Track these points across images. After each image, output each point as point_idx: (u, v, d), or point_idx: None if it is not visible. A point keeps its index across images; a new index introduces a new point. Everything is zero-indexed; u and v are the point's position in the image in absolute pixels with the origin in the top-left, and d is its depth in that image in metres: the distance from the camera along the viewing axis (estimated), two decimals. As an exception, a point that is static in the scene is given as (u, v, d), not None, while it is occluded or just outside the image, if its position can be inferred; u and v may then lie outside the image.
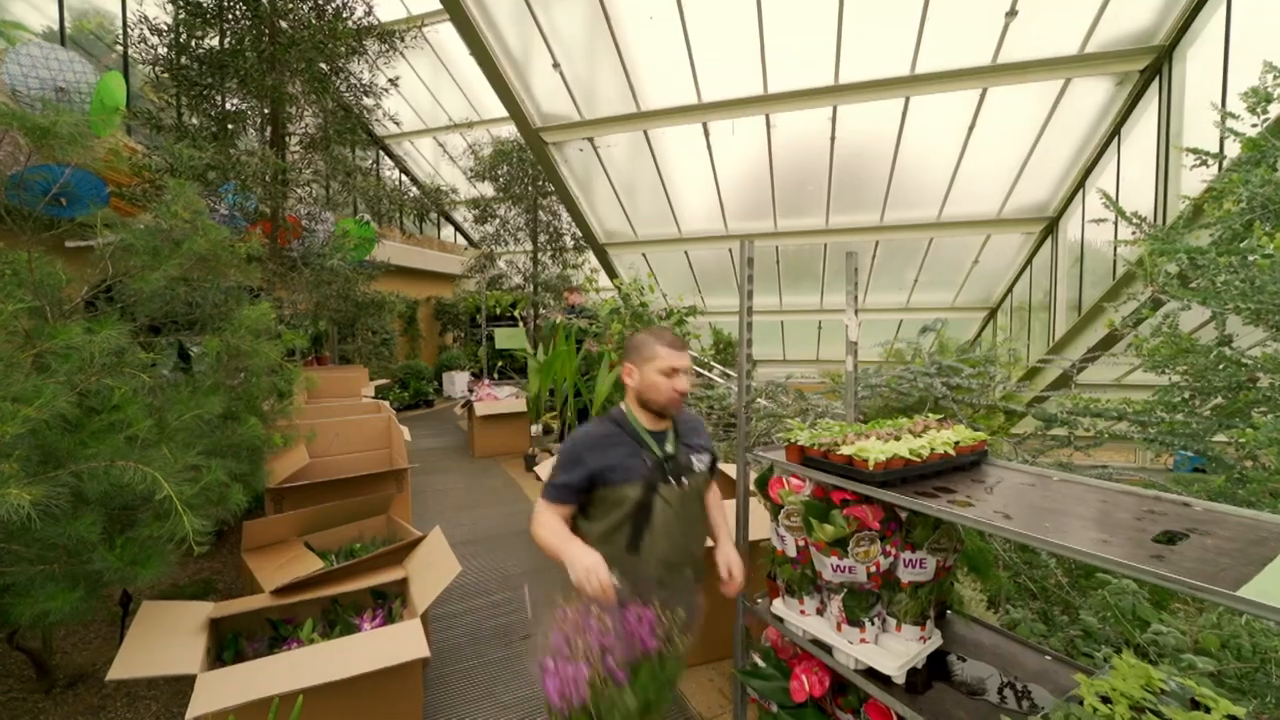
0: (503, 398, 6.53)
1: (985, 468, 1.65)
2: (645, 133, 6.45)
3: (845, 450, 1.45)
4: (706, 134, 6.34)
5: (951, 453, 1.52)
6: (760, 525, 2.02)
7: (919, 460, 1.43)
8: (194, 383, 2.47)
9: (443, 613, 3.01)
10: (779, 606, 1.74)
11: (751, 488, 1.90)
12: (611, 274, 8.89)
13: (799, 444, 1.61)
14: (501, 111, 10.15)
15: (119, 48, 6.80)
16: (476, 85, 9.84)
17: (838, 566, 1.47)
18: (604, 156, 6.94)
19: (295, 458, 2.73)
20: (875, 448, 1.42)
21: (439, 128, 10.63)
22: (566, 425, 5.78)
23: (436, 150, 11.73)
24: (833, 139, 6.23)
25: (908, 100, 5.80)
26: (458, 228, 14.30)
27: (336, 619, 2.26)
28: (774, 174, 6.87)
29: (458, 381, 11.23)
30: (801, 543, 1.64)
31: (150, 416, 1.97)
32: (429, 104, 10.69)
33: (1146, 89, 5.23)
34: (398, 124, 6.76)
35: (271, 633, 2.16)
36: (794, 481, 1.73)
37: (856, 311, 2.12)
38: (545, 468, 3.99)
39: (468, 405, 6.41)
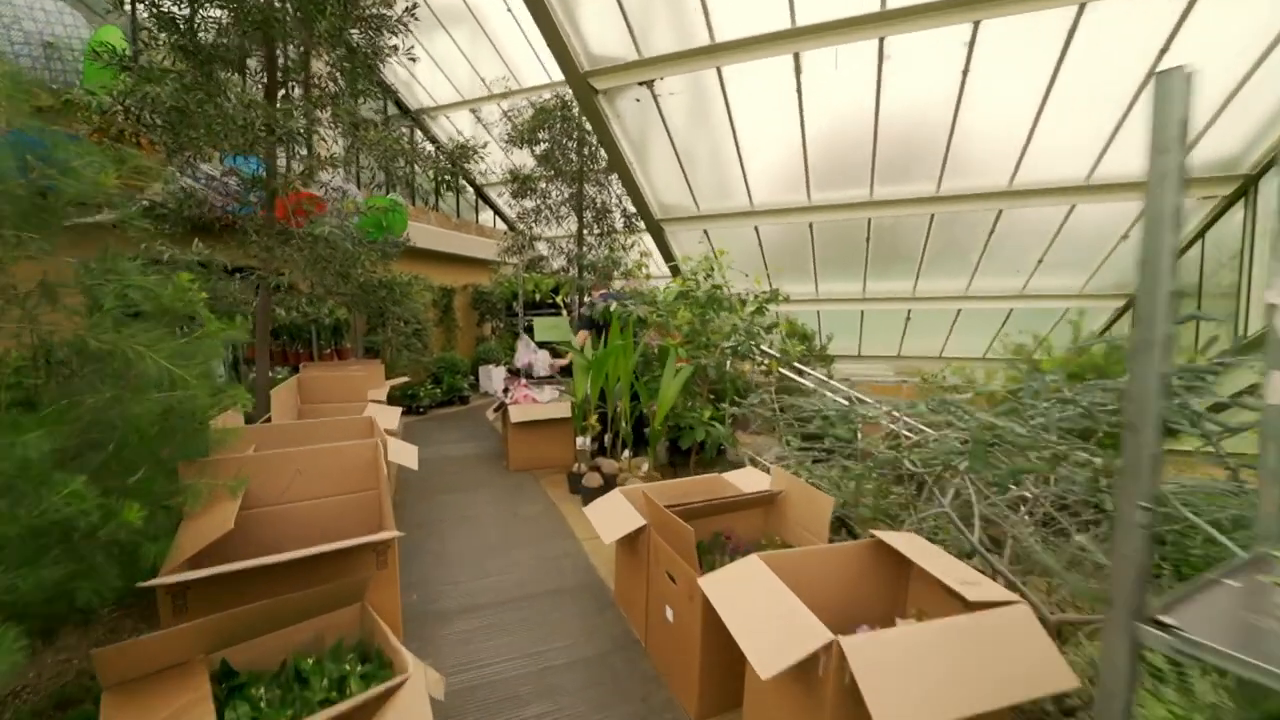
0: (543, 400, 5.46)
1: None
2: (718, 72, 5.20)
3: None
4: (798, 71, 5.03)
5: None
6: None
7: None
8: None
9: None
10: None
11: None
12: (667, 256, 7.70)
13: None
14: (539, 79, 9.11)
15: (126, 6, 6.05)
16: (515, 55, 8.82)
17: None
18: (664, 108, 5.73)
19: (210, 523, 1.71)
20: None
21: (476, 99, 9.66)
22: (620, 439, 4.66)
23: (474, 126, 10.78)
24: (965, 71, 4.81)
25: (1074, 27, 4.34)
26: (495, 209, 13.39)
27: None
28: (880, 125, 5.50)
29: (494, 376, 10.30)
30: None
31: None
32: (466, 75, 9.76)
33: None
34: (425, 90, 5.80)
35: None
36: None
37: None
38: (601, 510, 2.87)
39: (501, 408, 5.38)
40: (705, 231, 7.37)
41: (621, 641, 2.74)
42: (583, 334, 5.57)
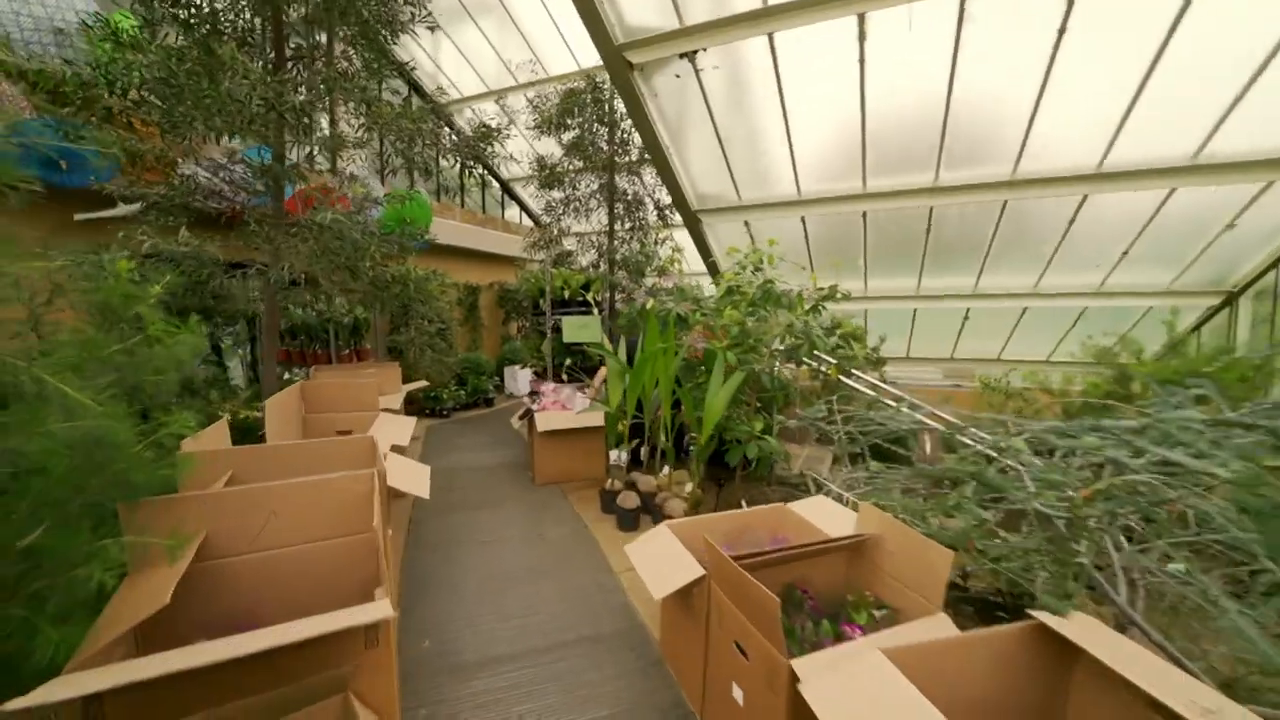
0: (574, 407, 5.00)
1: None
2: (769, 40, 4.63)
3: None
4: (861, 37, 4.43)
5: None
6: None
7: None
8: None
9: None
10: None
11: None
12: (704, 252, 7.15)
13: None
14: (568, 67, 8.66)
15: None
16: (543, 42, 8.40)
17: None
18: (706, 85, 5.19)
19: (141, 595, 1.26)
20: None
21: (502, 89, 9.27)
22: (659, 452, 4.15)
23: (500, 118, 10.40)
24: (1061, 31, 4.15)
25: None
26: (522, 205, 13.03)
27: None
28: (953, 99, 4.86)
29: (520, 378, 9.92)
30: None
31: None
32: (492, 65, 9.40)
33: None
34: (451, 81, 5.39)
35: None
36: None
37: None
38: (647, 552, 2.38)
39: (527, 415, 4.93)
40: (746, 223, 6.80)
41: (672, 716, 2.24)
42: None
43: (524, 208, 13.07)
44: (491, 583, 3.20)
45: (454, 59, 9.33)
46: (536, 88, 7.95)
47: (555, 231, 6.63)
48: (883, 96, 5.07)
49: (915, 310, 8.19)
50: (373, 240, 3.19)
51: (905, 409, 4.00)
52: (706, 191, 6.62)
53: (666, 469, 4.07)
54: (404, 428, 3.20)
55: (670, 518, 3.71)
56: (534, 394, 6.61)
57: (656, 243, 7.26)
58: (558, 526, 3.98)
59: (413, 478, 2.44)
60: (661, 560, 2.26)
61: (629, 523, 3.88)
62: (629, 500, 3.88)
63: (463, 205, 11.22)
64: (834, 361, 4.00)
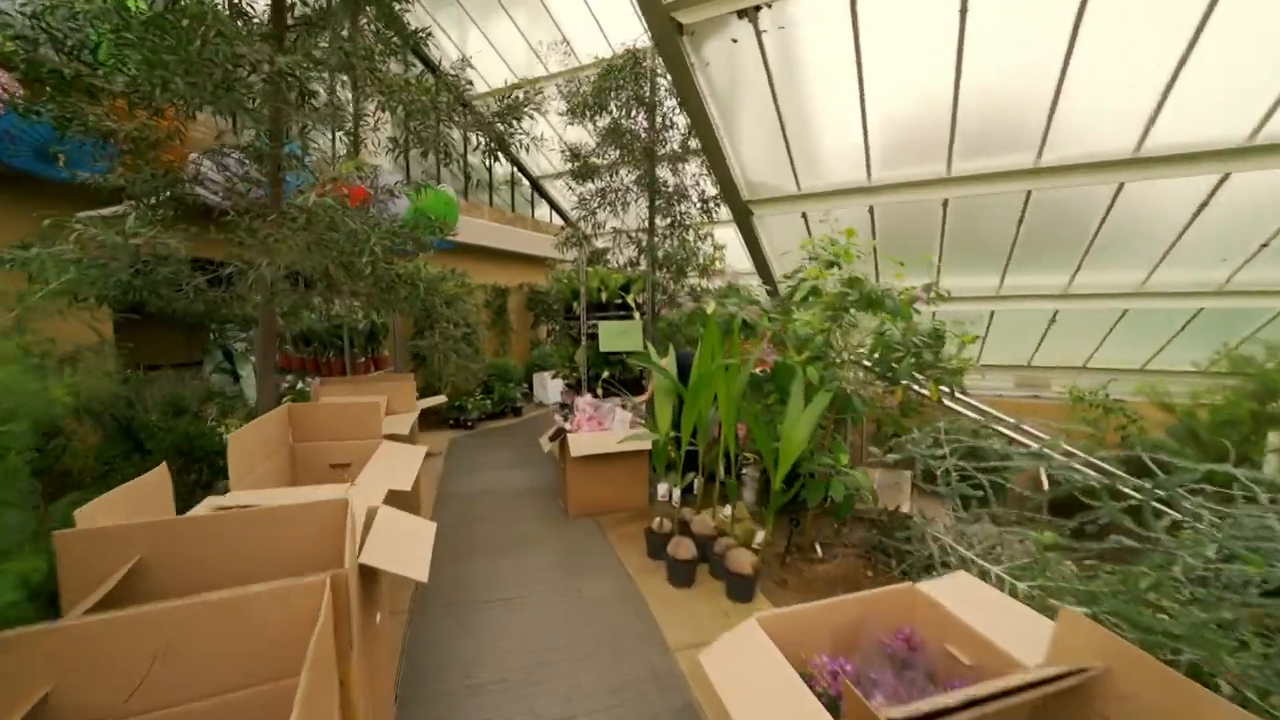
0: (612, 426, 4.31)
1: None
2: (850, -6, 3.86)
3: None
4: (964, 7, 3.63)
5: None
6: None
7: None
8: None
9: None
10: None
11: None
12: (754, 249, 6.39)
13: None
14: (601, 50, 8.02)
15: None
16: (574, 27, 7.81)
17: None
18: (768, 51, 4.44)
19: None
20: None
21: (534, 79, 8.70)
22: (718, 484, 3.41)
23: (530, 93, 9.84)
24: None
25: None
26: (552, 203, 12.47)
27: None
28: (1070, 65, 3.99)
29: (550, 385, 9.32)
30: None
31: None
32: (522, 55, 8.86)
33: None
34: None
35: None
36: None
37: None
38: (731, 667, 1.66)
39: (559, 436, 4.26)
40: (804, 215, 6.01)
41: None
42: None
43: (554, 206, 12.50)
44: (518, 668, 2.52)
45: (480, 46, 8.83)
46: (568, 76, 7.33)
47: (589, 227, 5.97)
48: (982, 69, 4.24)
49: (992, 313, 7.24)
50: (374, 232, 2.57)
51: (1018, 438, 3.18)
52: (759, 180, 5.85)
53: (728, 509, 3.34)
54: (409, 463, 2.56)
55: (738, 575, 2.98)
56: (565, 407, 5.97)
57: (700, 236, 6.53)
58: (597, 579, 3.28)
59: (407, 549, 1.79)
60: (760, 690, 1.54)
61: (683, 576, 3.17)
62: (683, 549, 3.17)
63: (491, 203, 10.71)
64: (940, 378, 3.20)
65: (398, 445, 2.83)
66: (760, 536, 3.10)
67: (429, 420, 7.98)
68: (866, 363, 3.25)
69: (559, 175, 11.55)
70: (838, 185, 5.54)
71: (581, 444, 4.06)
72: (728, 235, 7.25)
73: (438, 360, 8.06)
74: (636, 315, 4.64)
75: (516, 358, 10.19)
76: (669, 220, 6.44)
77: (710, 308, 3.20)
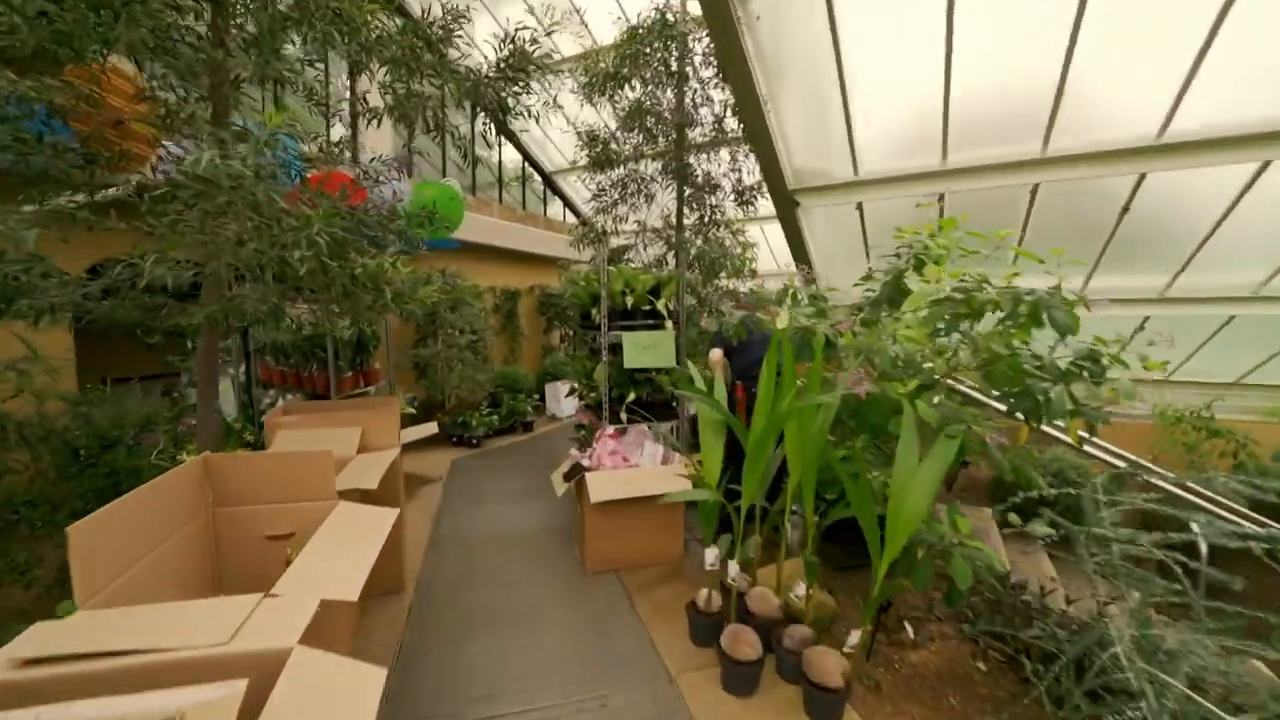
0: (639, 459, 3.51)
1: None
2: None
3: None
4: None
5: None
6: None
7: None
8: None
9: None
10: None
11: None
12: (797, 247, 5.55)
13: None
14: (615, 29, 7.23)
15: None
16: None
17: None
18: (837, 3, 3.62)
19: None
20: None
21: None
22: (800, 545, 2.58)
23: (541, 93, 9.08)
24: None
25: None
26: (566, 201, 11.73)
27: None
28: (1231, 12, 3.11)
29: (564, 398, 8.55)
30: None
31: None
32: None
33: None
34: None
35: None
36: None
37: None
38: None
39: (576, 474, 3.46)
40: (860, 206, 5.16)
41: None
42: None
43: (568, 203, 11.77)
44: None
45: (491, 29, 8.09)
46: (583, 58, 6.55)
47: (607, 222, 5.18)
48: (1104, 29, 3.37)
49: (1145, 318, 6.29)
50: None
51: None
52: (806, 165, 5.01)
53: (803, 589, 2.51)
54: (365, 543, 1.78)
55: (824, 688, 2.15)
56: (581, 428, 5.18)
57: (732, 232, 5.70)
58: (627, 681, 2.47)
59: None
60: None
61: (744, 683, 2.35)
62: (744, 646, 2.34)
63: (500, 200, 10.00)
64: (1090, 413, 2.35)
65: (356, 511, 2.05)
66: (854, 638, 2.27)
67: (430, 438, 7.24)
68: (977, 394, 2.42)
69: (572, 170, 10.83)
70: (904, 170, 4.69)
71: (603, 487, 3.26)
72: (753, 235, 6.43)
73: (440, 371, 7.34)
74: (669, 324, 3.83)
75: (527, 365, 9.45)
76: (698, 215, 5.63)
77: (783, 319, 2.38)
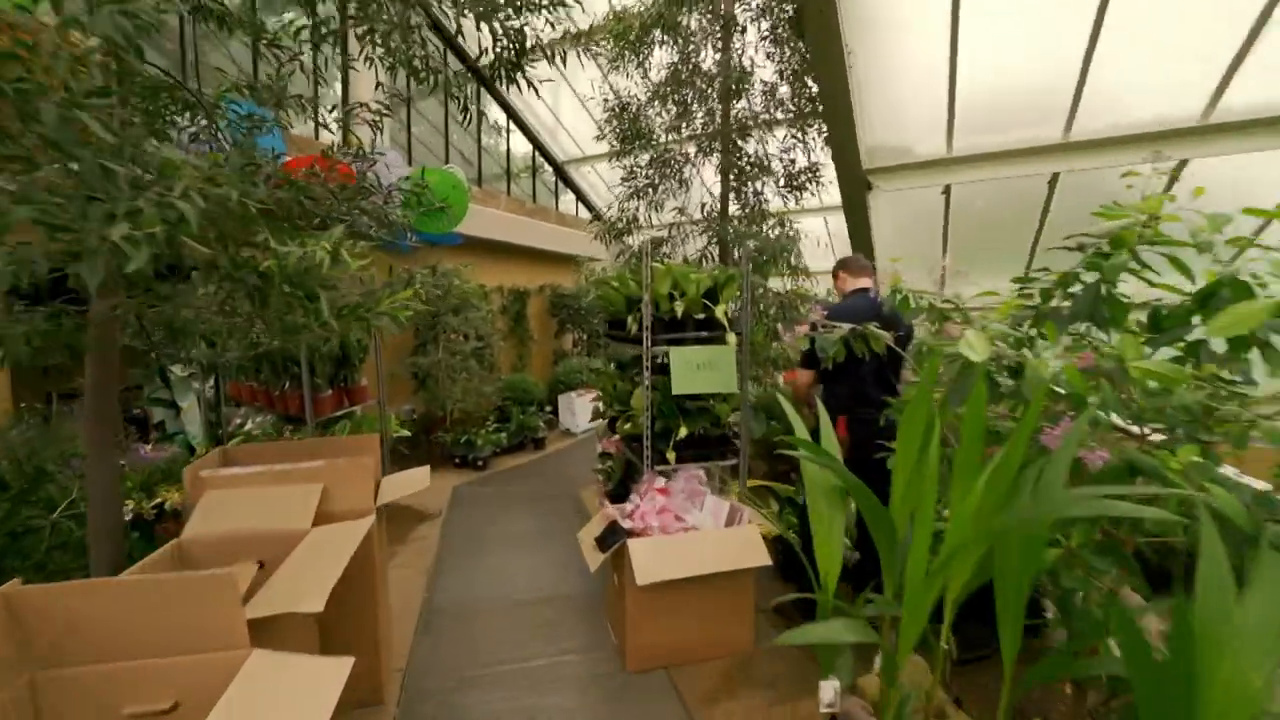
0: (697, 518, 2.64)
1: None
2: None
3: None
4: None
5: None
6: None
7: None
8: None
9: None
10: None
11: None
12: (862, 237, 4.66)
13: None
14: None
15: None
16: None
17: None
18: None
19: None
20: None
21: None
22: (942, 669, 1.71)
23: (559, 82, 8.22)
24: None
25: None
26: (579, 194, 10.88)
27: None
28: None
29: (578, 409, 7.69)
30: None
31: None
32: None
33: None
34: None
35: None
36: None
37: None
38: None
39: (613, 539, 2.58)
40: (947, 190, 4.26)
41: None
42: (804, 376, 2.78)
43: (581, 196, 10.91)
44: None
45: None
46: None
47: (639, 209, 4.33)
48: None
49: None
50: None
51: None
52: (885, 140, 4.12)
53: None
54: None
55: None
56: (608, 460, 4.32)
57: (782, 226, 4.83)
58: None
59: None
60: None
61: None
62: None
63: (509, 192, 9.16)
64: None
65: (283, 668, 1.19)
66: None
67: (431, 459, 6.41)
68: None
69: (585, 160, 9.96)
70: (1014, 144, 3.78)
71: (653, 562, 2.39)
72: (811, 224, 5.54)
73: (442, 381, 6.50)
74: (730, 337, 2.96)
75: (537, 373, 8.60)
76: (740, 203, 4.76)
77: (977, 344, 1.49)
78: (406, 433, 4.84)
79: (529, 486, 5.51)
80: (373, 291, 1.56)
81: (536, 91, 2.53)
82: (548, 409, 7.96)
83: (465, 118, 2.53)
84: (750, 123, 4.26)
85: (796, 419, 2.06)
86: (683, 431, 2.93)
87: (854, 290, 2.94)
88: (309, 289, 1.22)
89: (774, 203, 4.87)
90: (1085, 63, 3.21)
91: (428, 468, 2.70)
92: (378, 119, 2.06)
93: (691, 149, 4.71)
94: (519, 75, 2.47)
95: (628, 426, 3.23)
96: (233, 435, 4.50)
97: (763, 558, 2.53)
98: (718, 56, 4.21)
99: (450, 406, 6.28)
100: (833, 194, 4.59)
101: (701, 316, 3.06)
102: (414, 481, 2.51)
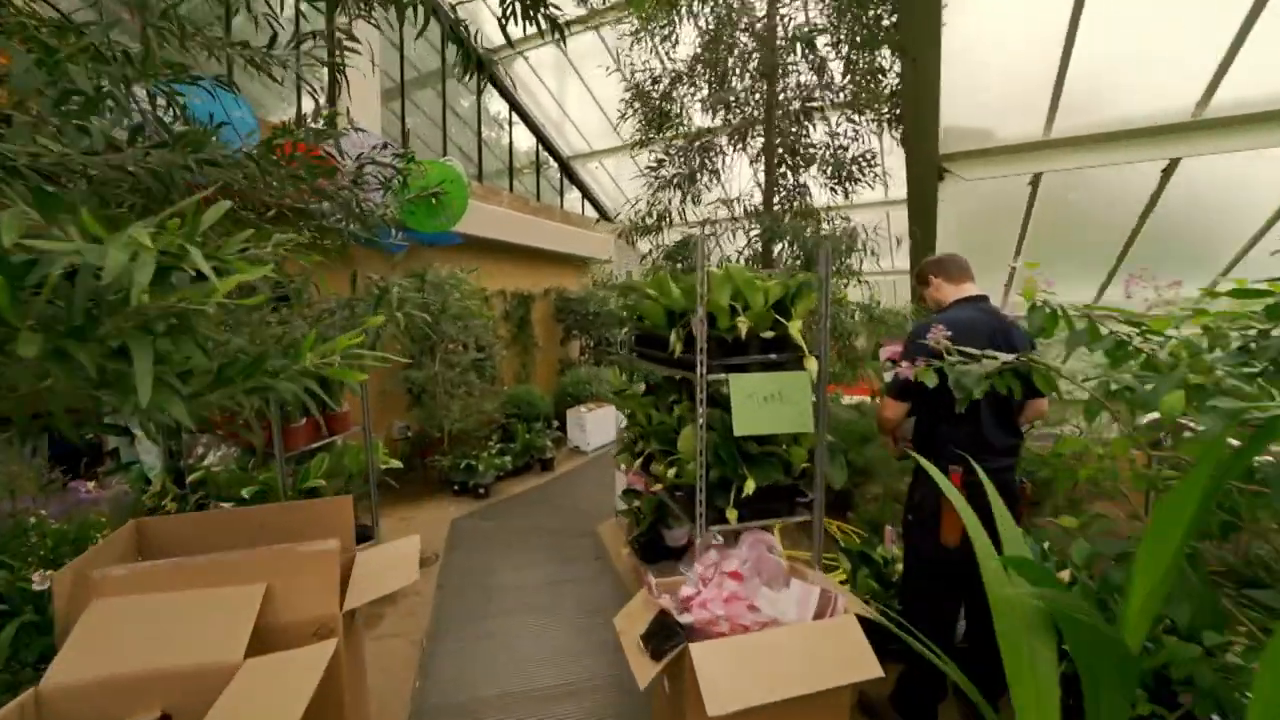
0: (778, 613, 1.97)
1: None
2: None
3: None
4: None
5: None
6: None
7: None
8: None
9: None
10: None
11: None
12: (924, 236, 4.01)
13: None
14: None
15: None
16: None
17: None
18: None
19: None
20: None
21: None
22: None
23: (567, 71, 7.57)
24: None
25: None
26: (586, 193, 10.22)
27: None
28: None
29: (588, 423, 7.02)
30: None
31: None
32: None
33: None
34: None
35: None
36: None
37: None
38: None
39: (666, 640, 1.91)
40: (1037, 178, 3.61)
41: None
42: (898, 409, 2.15)
43: (587, 194, 10.25)
44: None
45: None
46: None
47: (673, 201, 3.68)
48: None
49: None
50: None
51: None
52: (965, 122, 3.47)
53: None
54: None
55: None
56: (635, 499, 3.67)
57: (831, 223, 4.18)
58: None
59: None
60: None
61: None
62: None
63: (511, 189, 8.50)
64: None
65: None
66: None
67: (427, 486, 5.73)
68: None
69: (592, 155, 9.32)
70: (1129, 123, 3.13)
71: (728, 681, 1.72)
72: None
73: (439, 398, 5.82)
74: (810, 362, 2.30)
75: (542, 384, 7.93)
76: (781, 196, 4.11)
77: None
78: (397, 464, 4.16)
79: (539, 519, 4.83)
80: (273, 335, 0.88)
81: (562, 34, 1.87)
82: (555, 424, 7.29)
83: (465, 74, 1.87)
84: (805, 101, 3.60)
85: (960, 499, 1.40)
86: (750, 486, 2.26)
87: (958, 300, 2.28)
88: (186, 323, 0.55)
89: (818, 196, 4.23)
90: (1245, 28, 2.56)
91: (417, 539, 2.03)
92: (339, 60, 1.41)
93: (728, 134, 4.06)
94: (537, 13, 1.83)
95: (672, 473, 2.56)
96: (193, 469, 3.82)
97: (872, 667, 1.86)
98: (764, 20, 3.55)
99: (448, 426, 5.61)
100: (876, 188, 3.94)
101: (770, 335, 2.39)
102: (397, 567, 1.83)
